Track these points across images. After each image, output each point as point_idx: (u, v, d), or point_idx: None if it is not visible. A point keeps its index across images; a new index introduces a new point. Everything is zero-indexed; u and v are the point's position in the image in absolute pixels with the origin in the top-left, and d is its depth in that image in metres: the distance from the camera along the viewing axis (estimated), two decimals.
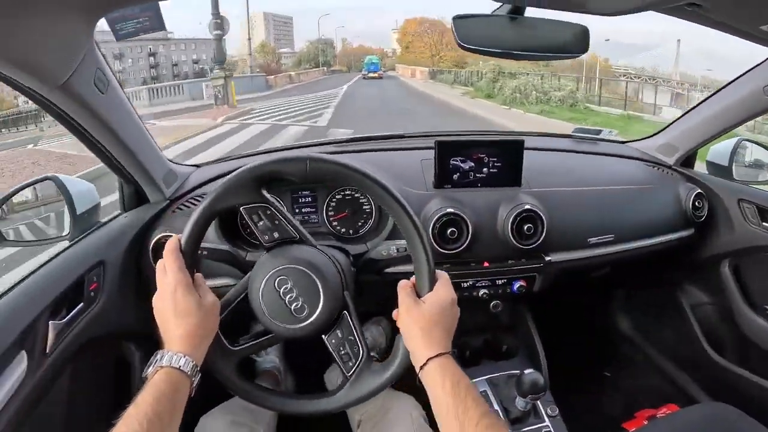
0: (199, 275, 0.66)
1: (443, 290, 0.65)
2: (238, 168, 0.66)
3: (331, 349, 0.68)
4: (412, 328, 0.63)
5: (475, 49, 0.79)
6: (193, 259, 0.65)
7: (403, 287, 0.66)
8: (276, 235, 0.67)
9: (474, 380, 1.01)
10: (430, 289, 0.64)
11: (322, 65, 50.11)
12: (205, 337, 0.62)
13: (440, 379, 0.59)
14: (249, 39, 36.08)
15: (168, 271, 0.63)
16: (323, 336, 0.67)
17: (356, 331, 0.68)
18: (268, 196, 0.66)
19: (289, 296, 0.65)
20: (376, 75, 33.97)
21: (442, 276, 0.66)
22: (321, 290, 0.65)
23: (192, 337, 0.60)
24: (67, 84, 0.68)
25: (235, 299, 0.69)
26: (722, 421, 0.72)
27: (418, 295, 0.65)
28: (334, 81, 30.51)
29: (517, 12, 0.79)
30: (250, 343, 0.70)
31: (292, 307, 0.65)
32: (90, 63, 0.72)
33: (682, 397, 1.24)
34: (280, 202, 0.68)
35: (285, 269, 0.65)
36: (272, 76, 27.81)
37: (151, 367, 0.57)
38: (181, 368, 0.57)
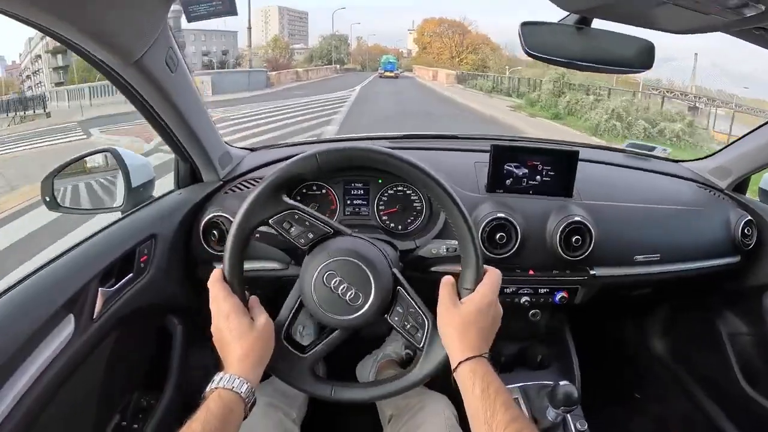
0: (253, 298, 0.67)
1: (485, 291, 0.63)
2: (291, 155, 0.66)
3: (396, 328, 0.67)
4: (448, 328, 0.63)
5: (541, 57, 0.80)
6: (240, 283, 0.66)
7: (445, 284, 0.65)
8: (310, 236, 0.67)
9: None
10: (473, 290, 0.64)
11: (335, 62, 48.18)
12: (262, 358, 0.63)
13: (471, 383, 0.58)
14: (249, 28, 33.17)
15: (218, 300, 0.64)
16: (386, 316, 0.67)
17: (415, 303, 0.67)
18: (290, 201, 0.66)
19: (341, 288, 0.65)
20: (392, 74, 33.52)
21: (490, 275, 0.65)
22: (369, 274, 0.65)
23: (248, 358, 0.61)
24: (141, 61, 0.71)
25: (288, 315, 0.69)
26: None
27: (459, 296, 0.65)
28: (345, 80, 28.71)
29: (584, 22, 0.79)
30: (319, 346, 0.70)
31: (347, 298, 0.65)
32: (163, 42, 0.75)
33: (710, 427, 1.21)
34: (301, 204, 0.67)
35: (329, 264, 0.65)
36: (275, 72, 25.52)
37: (209, 388, 0.59)
38: (234, 389, 0.58)
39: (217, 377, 0.59)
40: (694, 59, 19.18)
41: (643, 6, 0.64)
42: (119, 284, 0.82)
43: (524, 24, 0.80)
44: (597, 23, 0.80)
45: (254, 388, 0.60)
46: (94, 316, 0.75)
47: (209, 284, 0.65)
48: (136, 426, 0.91)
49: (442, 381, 0.73)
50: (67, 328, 0.69)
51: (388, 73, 33.51)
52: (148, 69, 0.73)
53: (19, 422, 0.59)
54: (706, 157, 1.23)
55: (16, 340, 0.60)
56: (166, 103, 0.82)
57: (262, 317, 0.65)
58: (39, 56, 31.15)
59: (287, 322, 0.69)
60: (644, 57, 0.82)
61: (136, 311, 0.86)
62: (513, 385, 1.02)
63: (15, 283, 0.69)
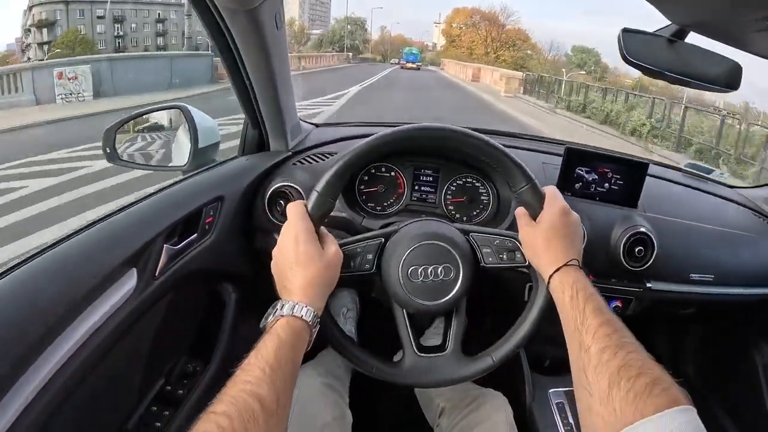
0: (323, 228, 0.66)
1: (552, 204, 0.66)
2: (361, 134, 0.69)
3: (497, 266, 0.70)
4: (533, 248, 0.66)
5: (637, 64, 0.81)
6: (321, 218, 0.66)
7: (520, 215, 0.69)
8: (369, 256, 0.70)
9: (552, 390, 1.01)
10: (541, 207, 0.67)
11: (348, 49, 44.10)
12: (326, 287, 0.62)
13: (560, 293, 0.60)
14: None
15: (292, 221, 0.62)
16: (482, 265, 0.70)
17: (495, 234, 0.72)
18: None
19: (429, 273, 0.67)
20: (414, 66, 34.13)
21: (548, 191, 0.68)
22: (448, 247, 0.67)
23: (313, 286, 0.59)
24: (257, 9, 0.70)
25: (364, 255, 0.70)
26: None
27: (534, 218, 0.67)
28: (351, 74, 22.34)
29: (679, 35, 0.80)
30: (451, 337, 0.72)
31: (440, 278, 0.67)
32: None
33: None
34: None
35: (408, 256, 0.67)
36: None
37: (270, 317, 0.57)
38: (303, 317, 0.56)
39: (278, 304, 0.58)
40: None
41: (747, 29, 0.66)
42: (183, 243, 0.80)
43: (625, 30, 0.81)
44: (690, 39, 0.81)
45: (318, 315, 0.59)
46: (157, 273, 0.74)
47: (289, 205, 0.64)
48: (180, 392, 0.89)
49: (494, 375, 0.74)
50: (129, 283, 0.67)
51: (410, 65, 33.93)
52: (260, 19, 0.72)
53: (72, 373, 0.57)
54: (761, 186, 1.26)
55: (80, 287, 0.58)
56: (262, 59, 0.81)
57: (333, 246, 0.64)
58: (28, 30, 27.80)
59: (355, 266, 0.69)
60: (732, 78, 0.84)
61: (194, 273, 0.84)
62: (557, 389, 1.02)
63: (80, 228, 0.67)
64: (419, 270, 0.66)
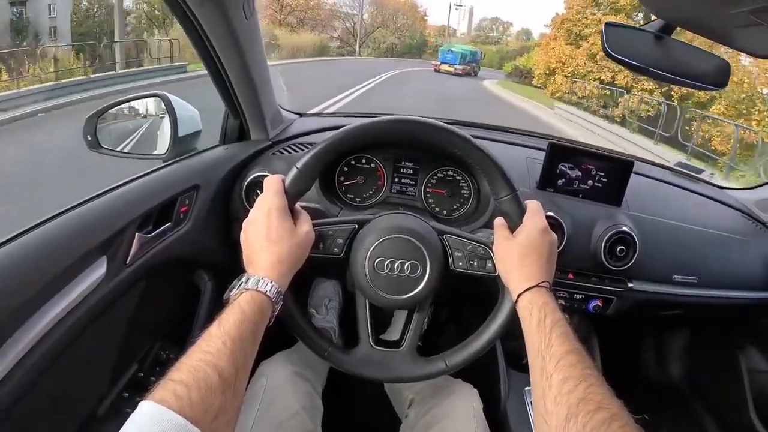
0: (299, 205, 0.67)
1: (531, 220, 0.66)
2: (340, 125, 0.68)
3: (466, 272, 0.70)
4: (506, 263, 0.65)
5: (620, 59, 0.81)
6: (296, 196, 0.66)
7: (497, 225, 0.69)
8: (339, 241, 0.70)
9: (528, 388, 1.02)
10: (521, 221, 0.66)
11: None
12: (293, 266, 0.62)
13: (528, 313, 0.59)
14: None
15: (267, 196, 0.63)
16: (451, 268, 0.70)
17: (468, 239, 0.71)
18: None
19: (396, 267, 0.67)
20: (452, 70, 22.37)
21: (531, 206, 0.67)
22: (417, 243, 0.68)
23: (281, 263, 0.60)
24: None
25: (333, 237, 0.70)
26: None
27: (512, 231, 0.67)
28: None
29: (665, 31, 0.80)
30: (409, 334, 0.73)
31: (406, 274, 0.67)
32: None
33: None
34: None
35: (375, 248, 0.67)
36: None
37: (235, 289, 0.57)
38: (267, 293, 0.57)
39: (244, 277, 0.58)
40: None
41: (734, 24, 0.65)
42: (156, 232, 0.81)
43: (608, 24, 0.81)
44: (676, 35, 0.81)
45: (282, 293, 0.59)
46: (127, 261, 0.74)
47: (267, 179, 0.65)
48: (153, 378, 0.90)
49: (467, 370, 0.75)
50: (98, 270, 0.68)
51: (446, 67, 22.61)
52: (225, 8, 0.72)
53: (39, 360, 0.58)
54: (752, 188, 1.25)
55: (46, 274, 0.59)
56: (233, 50, 0.81)
57: (305, 225, 0.64)
58: None
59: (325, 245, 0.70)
60: (719, 76, 0.83)
61: (169, 261, 0.85)
62: (529, 388, 1.02)
63: (49, 217, 0.68)
64: (386, 262, 0.67)
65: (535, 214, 0.66)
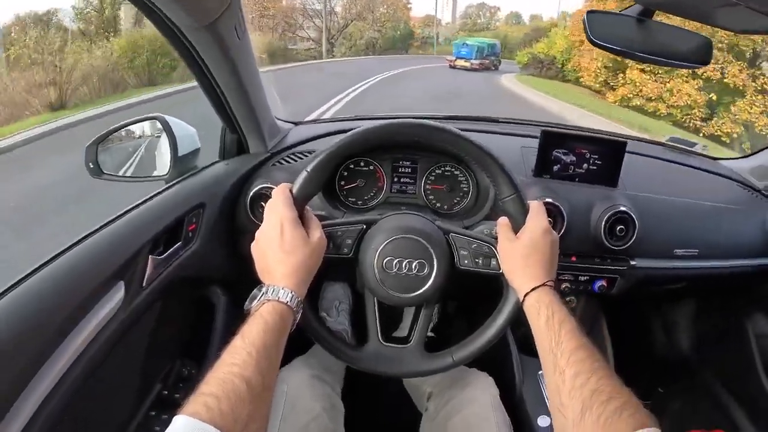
0: (308, 209, 0.69)
1: (534, 221, 0.68)
2: (339, 130, 0.70)
3: (471, 270, 0.72)
4: (510, 263, 0.68)
5: (605, 46, 0.82)
6: (304, 201, 0.68)
7: (501, 225, 0.71)
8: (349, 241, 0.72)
9: (541, 372, 1.04)
10: (524, 221, 0.68)
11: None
12: (309, 274, 0.64)
13: (536, 312, 0.62)
14: None
15: (276, 207, 0.64)
16: (457, 266, 0.73)
17: (473, 237, 0.73)
18: None
19: (404, 266, 0.69)
20: (468, 65, 19.51)
21: (533, 207, 0.70)
22: (423, 242, 0.70)
23: (297, 273, 0.61)
24: (214, 24, 0.72)
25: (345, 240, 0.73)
26: None
27: (515, 231, 0.69)
28: None
29: (646, 14, 0.82)
30: (417, 330, 0.75)
31: (413, 273, 0.70)
32: (236, 7, 0.75)
33: (730, 425, 1.25)
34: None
35: (384, 248, 0.70)
36: None
37: (255, 301, 0.59)
38: (288, 303, 0.59)
39: (263, 288, 0.60)
40: None
41: (712, 4, 0.67)
42: (168, 252, 0.84)
43: (590, 12, 0.83)
44: (657, 17, 0.83)
45: (301, 301, 0.61)
46: (144, 284, 0.77)
47: (275, 189, 0.67)
48: (177, 395, 0.93)
49: (481, 359, 0.77)
50: (117, 295, 0.71)
51: (462, 62, 19.77)
52: (219, 33, 0.74)
53: (69, 388, 0.60)
54: (745, 156, 1.27)
55: (68, 305, 0.61)
56: (228, 70, 0.83)
57: (317, 232, 0.66)
58: None
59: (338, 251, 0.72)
60: (702, 53, 0.85)
61: (182, 280, 0.88)
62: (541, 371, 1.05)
63: (65, 248, 0.70)
64: (394, 261, 0.69)
65: (537, 215, 0.69)
